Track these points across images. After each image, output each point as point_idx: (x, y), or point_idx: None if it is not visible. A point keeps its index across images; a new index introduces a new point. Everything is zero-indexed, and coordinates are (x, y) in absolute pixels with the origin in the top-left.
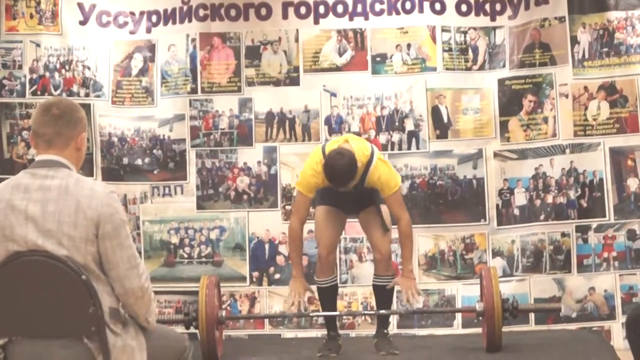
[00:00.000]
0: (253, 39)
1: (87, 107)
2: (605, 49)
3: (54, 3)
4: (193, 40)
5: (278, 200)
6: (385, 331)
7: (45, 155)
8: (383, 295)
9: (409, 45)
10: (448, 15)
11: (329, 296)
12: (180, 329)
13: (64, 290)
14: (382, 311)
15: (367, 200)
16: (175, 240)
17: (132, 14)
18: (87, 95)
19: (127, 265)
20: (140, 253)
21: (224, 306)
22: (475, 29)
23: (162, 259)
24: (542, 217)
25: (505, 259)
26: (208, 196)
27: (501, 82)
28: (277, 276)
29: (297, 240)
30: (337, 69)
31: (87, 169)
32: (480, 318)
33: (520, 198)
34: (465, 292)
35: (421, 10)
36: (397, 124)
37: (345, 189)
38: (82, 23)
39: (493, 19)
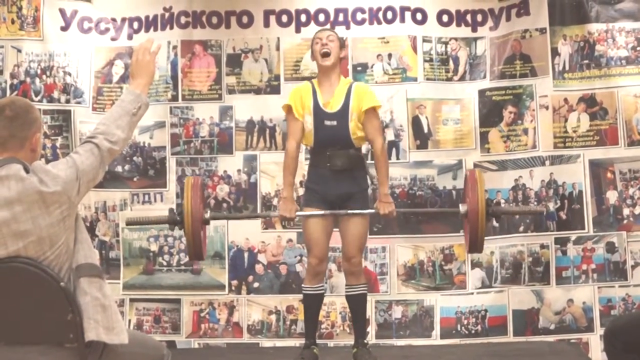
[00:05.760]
0: (234, 46)
1: (67, 114)
2: (586, 61)
3: (35, 9)
4: (174, 47)
5: (258, 209)
6: (365, 341)
7: None
8: (357, 305)
9: (390, 55)
10: (429, 25)
11: (313, 303)
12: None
13: (43, 296)
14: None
15: (354, 194)
16: (154, 248)
17: (114, 20)
18: (67, 101)
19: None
20: (119, 260)
21: (202, 314)
22: (456, 39)
23: (141, 266)
24: (521, 228)
25: (484, 270)
26: None
27: (481, 93)
28: (256, 285)
29: (292, 160)
30: None
31: None
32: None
33: None
34: (444, 302)
35: (402, 20)
36: None
37: (334, 166)
38: (64, 29)
39: (474, 30)
